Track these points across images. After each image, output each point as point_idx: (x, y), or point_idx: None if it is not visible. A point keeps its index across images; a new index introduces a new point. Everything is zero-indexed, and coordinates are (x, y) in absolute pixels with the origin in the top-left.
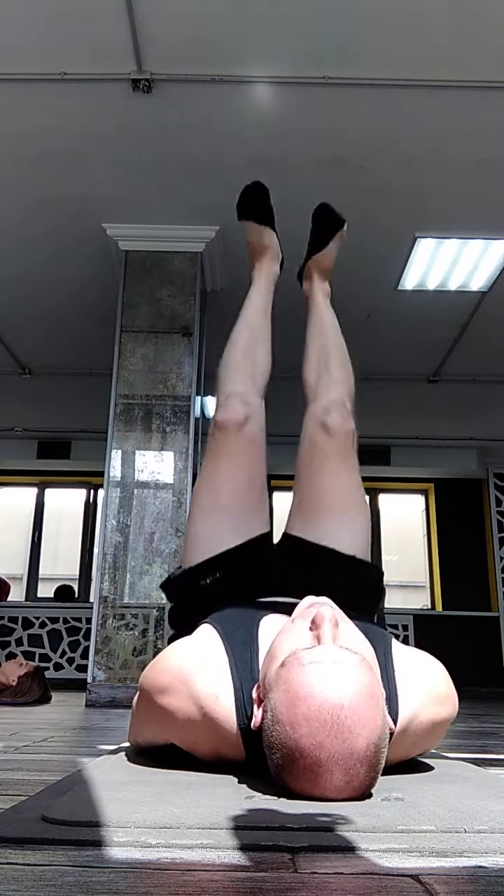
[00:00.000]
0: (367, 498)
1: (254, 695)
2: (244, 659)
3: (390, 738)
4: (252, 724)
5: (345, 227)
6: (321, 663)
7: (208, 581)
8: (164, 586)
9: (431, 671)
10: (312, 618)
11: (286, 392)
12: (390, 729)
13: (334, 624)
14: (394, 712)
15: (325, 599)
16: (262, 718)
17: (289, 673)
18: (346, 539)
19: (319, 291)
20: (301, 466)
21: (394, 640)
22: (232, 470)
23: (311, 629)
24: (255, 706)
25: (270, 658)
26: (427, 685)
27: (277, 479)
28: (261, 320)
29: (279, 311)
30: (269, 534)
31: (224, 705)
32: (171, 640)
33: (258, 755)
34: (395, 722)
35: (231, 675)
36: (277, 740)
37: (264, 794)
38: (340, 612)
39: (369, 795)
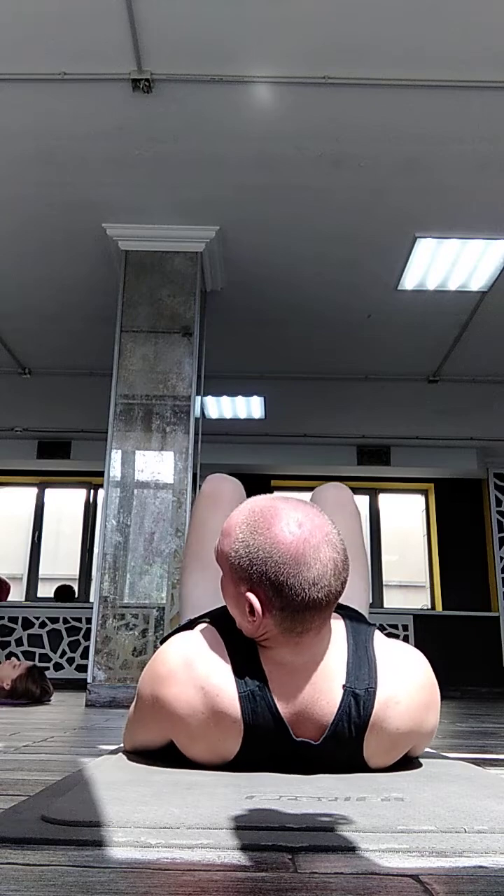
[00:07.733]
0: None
1: (251, 598)
2: (242, 649)
3: (371, 708)
4: (254, 618)
5: None
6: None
7: None
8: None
9: (411, 660)
10: None
11: (286, 392)
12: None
13: None
14: (372, 696)
15: None
16: (252, 590)
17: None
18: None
19: None
20: None
21: (377, 632)
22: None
23: None
24: (248, 612)
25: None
26: (406, 672)
27: (278, 479)
28: None
29: (280, 311)
30: None
31: (226, 690)
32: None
33: (255, 746)
34: (373, 706)
35: (231, 663)
36: (264, 551)
37: (264, 794)
38: None
39: (340, 594)
